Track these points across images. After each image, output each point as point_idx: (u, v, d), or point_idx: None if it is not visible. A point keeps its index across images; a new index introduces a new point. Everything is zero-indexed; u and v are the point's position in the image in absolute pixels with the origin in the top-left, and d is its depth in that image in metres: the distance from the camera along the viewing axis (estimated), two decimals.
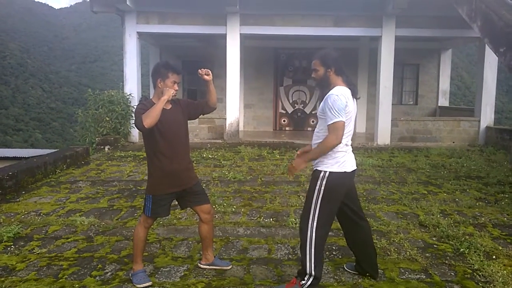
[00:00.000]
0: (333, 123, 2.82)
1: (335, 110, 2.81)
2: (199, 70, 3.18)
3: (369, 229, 3.33)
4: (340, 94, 2.86)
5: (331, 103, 2.83)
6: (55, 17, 75.47)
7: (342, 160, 2.95)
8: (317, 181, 2.94)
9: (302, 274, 2.97)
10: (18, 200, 5.52)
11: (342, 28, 10.42)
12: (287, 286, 3.00)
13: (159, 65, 3.18)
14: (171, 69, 3.10)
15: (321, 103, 2.99)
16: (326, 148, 2.86)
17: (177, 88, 3.12)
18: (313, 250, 2.91)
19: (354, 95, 3.01)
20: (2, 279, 3.26)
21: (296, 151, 9.18)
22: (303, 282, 2.94)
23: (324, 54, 3.04)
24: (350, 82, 3.04)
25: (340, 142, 2.85)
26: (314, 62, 3.06)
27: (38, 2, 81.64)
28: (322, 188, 2.91)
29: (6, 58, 48.57)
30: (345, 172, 2.95)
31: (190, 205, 3.33)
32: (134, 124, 3.08)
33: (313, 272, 2.92)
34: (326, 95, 2.92)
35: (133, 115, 3.02)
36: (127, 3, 9.74)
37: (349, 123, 2.94)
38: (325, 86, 3.03)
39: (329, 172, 2.91)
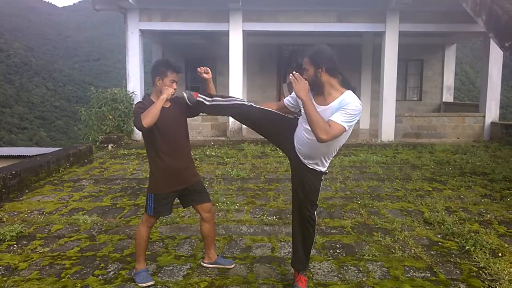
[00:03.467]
0: (339, 123, 2.54)
1: (349, 117, 2.56)
2: (198, 68, 3.14)
3: None
4: (360, 106, 2.61)
5: (351, 110, 2.55)
6: (59, 16, 75.47)
7: None
8: (320, 180, 2.95)
9: (304, 268, 3.10)
10: (21, 199, 5.53)
11: (345, 23, 10.36)
12: (302, 287, 3.05)
13: (158, 63, 3.14)
14: (170, 68, 3.06)
15: (324, 112, 2.65)
16: (319, 126, 2.52)
17: (175, 87, 3.08)
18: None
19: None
20: (5, 278, 3.26)
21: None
22: (305, 274, 3.09)
23: (315, 51, 2.71)
24: (350, 85, 2.71)
25: (322, 141, 2.56)
26: (305, 61, 2.72)
27: (42, 0, 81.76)
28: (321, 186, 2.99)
29: (11, 57, 48.67)
30: None
31: (191, 204, 3.31)
32: (133, 124, 3.08)
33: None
34: (343, 100, 2.59)
35: None
36: (129, 0, 9.72)
37: (350, 130, 2.73)
38: (318, 88, 2.70)
39: (325, 171, 2.95)
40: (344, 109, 2.56)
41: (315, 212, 3.01)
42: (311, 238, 3.04)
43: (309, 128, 2.66)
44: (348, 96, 2.62)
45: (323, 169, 2.90)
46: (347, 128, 2.58)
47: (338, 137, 2.62)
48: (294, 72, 2.64)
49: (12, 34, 54.89)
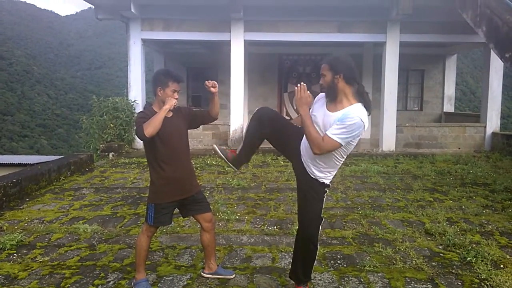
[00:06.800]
0: (332, 138, 2.54)
1: (345, 132, 2.53)
2: (206, 82, 3.15)
3: None
4: (362, 121, 2.54)
5: (348, 123, 2.52)
6: (61, 24, 76.03)
7: None
8: (323, 192, 2.90)
9: (306, 280, 3.07)
10: (21, 207, 5.52)
11: (346, 34, 10.41)
12: None
13: (159, 73, 3.16)
14: (171, 78, 3.07)
15: (328, 118, 2.66)
16: (312, 140, 2.59)
17: (177, 96, 3.09)
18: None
19: (368, 110, 2.65)
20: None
21: None
22: (305, 286, 3.06)
23: (334, 57, 2.68)
24: (364, 96, 2.67)
25: (316, 155, 2.64)
26: (323, 67, 2.70)
27: (44, 9, 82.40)
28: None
29: (13, 65, 48.96)
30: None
31: (191, 214, 3.30)
32: (135, 133, 3.08)
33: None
34: (346, 112, 2.57)
35: None
36: (132, 10, 9.79)
37: (352, 145, 2.73)
38: (332, 95, 2.67)
39: (328, 184, 2.91)
40: (342, 122, 2.53)
41: (319, 231, 2.95)
42: (312, 255, 2.98)
43: None
44: (353, 109, 2.58)
45: (326, 182, 2.86)
46: (342, 143, 2.56)
47: (331, 151, 2.62)
48: (302, 83, 2.66)
49: (14, 42, 55.30)
